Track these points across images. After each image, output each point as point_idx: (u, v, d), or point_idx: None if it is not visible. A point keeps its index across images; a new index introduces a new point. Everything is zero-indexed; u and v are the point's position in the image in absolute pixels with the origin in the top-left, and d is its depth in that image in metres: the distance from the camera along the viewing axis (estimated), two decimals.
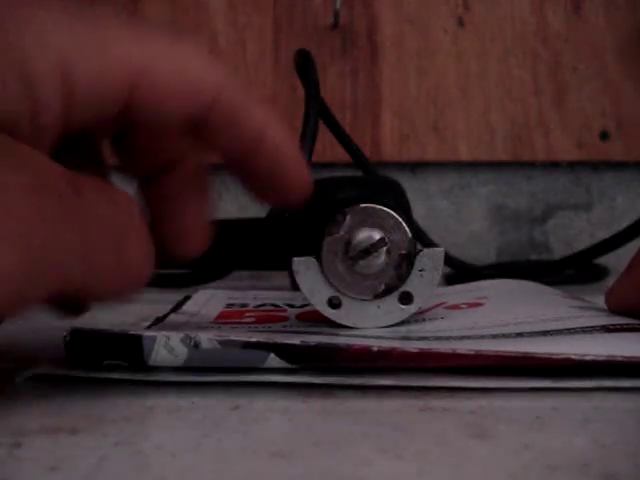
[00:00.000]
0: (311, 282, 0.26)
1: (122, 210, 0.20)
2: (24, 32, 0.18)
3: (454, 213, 0.62)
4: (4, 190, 0.16)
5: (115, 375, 0.21)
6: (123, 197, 0.20)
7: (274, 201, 0.24)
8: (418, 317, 0.27)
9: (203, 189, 0.24)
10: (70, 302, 0.20)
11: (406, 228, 0.26)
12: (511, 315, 0.26)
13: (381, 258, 0.26)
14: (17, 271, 0.16)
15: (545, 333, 0.23)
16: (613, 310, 0.26)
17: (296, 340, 0.21)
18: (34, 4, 0.18)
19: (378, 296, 0.26)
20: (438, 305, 0.30)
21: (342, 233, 0.26)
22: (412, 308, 0.26)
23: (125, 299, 0.21)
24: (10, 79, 0.17)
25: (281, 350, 0.21)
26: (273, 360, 0.21)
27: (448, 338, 0.23)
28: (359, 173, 0.47)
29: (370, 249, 0.25)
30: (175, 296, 0.34)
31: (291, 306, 0.32)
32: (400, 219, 0.26)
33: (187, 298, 0.36)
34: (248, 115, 0.21)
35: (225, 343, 0.21)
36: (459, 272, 0.47)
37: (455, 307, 0.30)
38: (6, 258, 0.16)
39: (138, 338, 0.21)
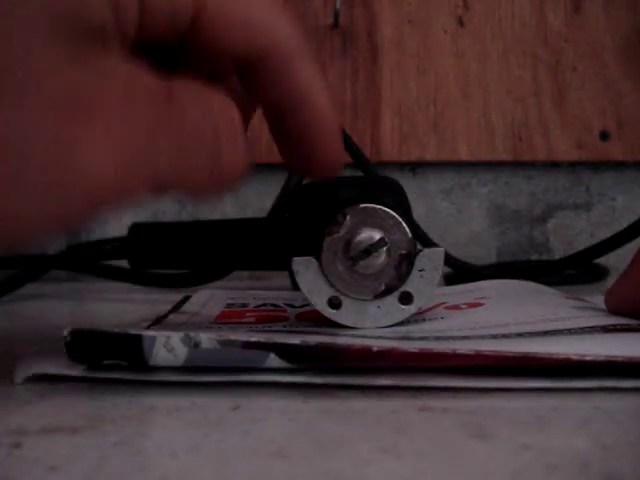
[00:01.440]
0: (311, 282, 0.26)
1: (217, 113, 0.19)
2: None
3: (454, 213, 0.62)
4: (97, 98, 0.17)
5: (115, 375, 0.21)
6: (219, 100, 0.20)
7: (301, 167, 0.24)
8: (418, 317, 0.27)
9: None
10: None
11: (406, 228, 0.26)
12: (511, 315, 0.26)
13: (381, 258, 0.26)
14: (112, 176, 0.17)
15: (545, 333, 0.23)
16: (612, 311, 0.26)
17: (296, 340, 0.21)
18: None
19: (378, 296, 0.26)
20: (438, 305, 0.30)
21: (342, 233, 0.26)
22: (412, 308, 0.26)
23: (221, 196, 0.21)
24: None
25: (281, 350, 0.21)
26: (273, 360, 0.21)
27: (448, 338, 0.23)
28: (359, 173, 0.47)
29: (370, 249, 0.25)
30: (175, 296, 0.34)
31: (291, 306, 0.33)
32: (400, 219, 0.26)
33: (187, 298, 0.36)
34: (297, 74, 0.21)
35: (225, 343, 0.21)
36: (459, 272, 0.47)
37: (455, 307, 0.30)
38: (101, 163, 0.17)
39: (138, 338, 0.21)
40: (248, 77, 0.21)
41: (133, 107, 0.18)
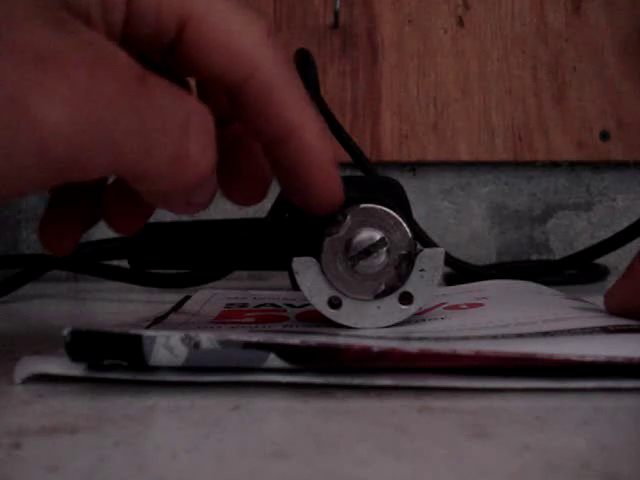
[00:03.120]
0: (311, 282, 0.26)
1: (191, 107, 0.19)
2: None
3: (454, 213, 0.62)
4: (66, 57, 0.17)
5: (115, 375, 0.21)
6: (193, 99, 0.19)
7: (297, 201, 0.23)
8: (418, 317, 0.27)
9: (255, 154, 0.23)
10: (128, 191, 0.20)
11: (406, 228, 0.26)
12: (511, 316, 0.26)
13: (381, 258, 0.26)
14: (66, 131, 0.17)
15: (545, 334, 0.23)
16: (612, 312, 0.26)
17: (296, 340, 0.21)
18: None
19: (378, 296, 0.26)
20: (438, 305, 0.30)
21: (342, 233, 0.26)
22: (412, 308, 0.26)
23: (183, 195, 0.20)
24: None
25: (281, 350, 0.21)
26: (273, 360, 0.21)
27: (448, 338, 0.23)
28: (359, 173, 0.47)
29: (370, 249, 0.25)
30: (175, 296, 0.34)
31: (291, 306, 0.32)
32: (400, 219, 0.26)
33: (187, 298, 0.36)
34: (281, 105, 0.20)
35: (225, 343, 0.21)
36: (459, 272, 0.47)
37: (455, 307, 0.30)
38: (55, 113, 0.17)
39: (138, 338, 0.21)
40: (233, 102, 0.21)
41: (101, 73, 0.17)
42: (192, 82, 0.24)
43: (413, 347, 0.21)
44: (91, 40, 0.18)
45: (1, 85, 0.16)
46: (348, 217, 0.26)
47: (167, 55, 0.20)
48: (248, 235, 0.35)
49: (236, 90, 0.20)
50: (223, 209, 0.61)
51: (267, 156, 0.22)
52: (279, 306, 0.33)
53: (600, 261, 0.46)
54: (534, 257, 0.62)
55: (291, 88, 0.20)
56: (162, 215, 0.55)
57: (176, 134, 0.19)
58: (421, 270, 0.26)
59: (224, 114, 0.23)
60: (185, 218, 0.60)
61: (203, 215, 0.64)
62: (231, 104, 0.21)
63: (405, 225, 0.26)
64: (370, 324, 0.26)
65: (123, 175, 0.19)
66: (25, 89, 0.16)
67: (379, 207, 0.26)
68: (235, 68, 0.20)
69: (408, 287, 0.26)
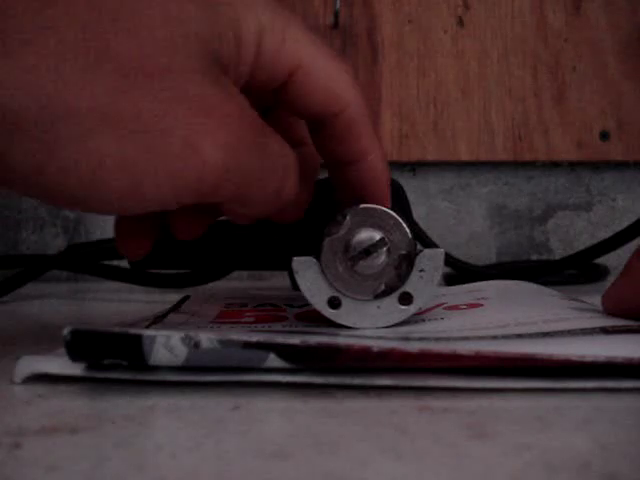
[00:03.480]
0: (311, 282, 0.26)
1: (288, 152, 0.24)
2: (247, 10, 0.23)
3: (454, 213, 0.62)
4: (220, 106, 0.22)
5: (115, 375, 0.21)
6: (289, 148, 0.24)
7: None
8: (418, 318, 0.27)
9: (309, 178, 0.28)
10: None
11: (406, 228, 0.26)
12: (511, 316, 0.26)
13: (381, 258, 0.26)
14: (220, 165, 0.21)
15: (545, 334, 0.23)
16: (610, 312, 0.26)
17: (296, 340, 0.21)
18: None
19: (378, 296, 0.26)
20: (438, 306, 0.30)
21: (342, 233, 0.26)
22: (412, 308, 0.26)
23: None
24: (228, 35, 0.22)
25: (281, 350, 0.21)
26: (273, 360, 0.21)
27: (448, 339, 0.23)
28: None
29: (370, 249, 0.25)
30: (175, 296, 0.34)
31: (290, 306, 0.32)
32: (400, 219, 0.26)
33: (187, 298, 0.36)
34: (360, 135, 0.26)
35: (225, 343, 0.21)
36: (459, 272, 0.47)
37: (455, 308, 0.30)
38: (217, 158, 0.21)
39: (138, 337, 0.21)
40: (320, 134, 0.26)
41: (246, 124, 0.22)
42: None
43: (413, 347, 0.21)
44: (234, 93, 0.23)
45: (179, 128, 0.21)
46: (348, 217, 0.26)
47: (277, 95, 0.25)
48: (248, 235, 0.35)
49: (328, 123, 0.25)
50: None
51: (334, 175, 0.27)
52: (279, 306, 0.33)
53: (600, 261, 0.46)
54: (534, 257, 0.62)
55: (368, 121, 0.26)
56: None
57: (280, 173, 0.24)
58: (421, 270, 0.26)
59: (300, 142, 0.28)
60: None
61: None
62: (317, 136, 0.26)
63: (405, 225, 0.26)
64: (370, 324, 0.26)
65: (235, 200, 0.23)
66: (197, 134, 0.21)
67: (379, 207, 0.26)
68: (333, 105, 0.25)
69: (408, 287, 0.26)
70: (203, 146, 0.21)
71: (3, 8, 0.19)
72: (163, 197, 0.22)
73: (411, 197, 0.29)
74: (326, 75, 0.24)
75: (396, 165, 0.61)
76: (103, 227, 0.61)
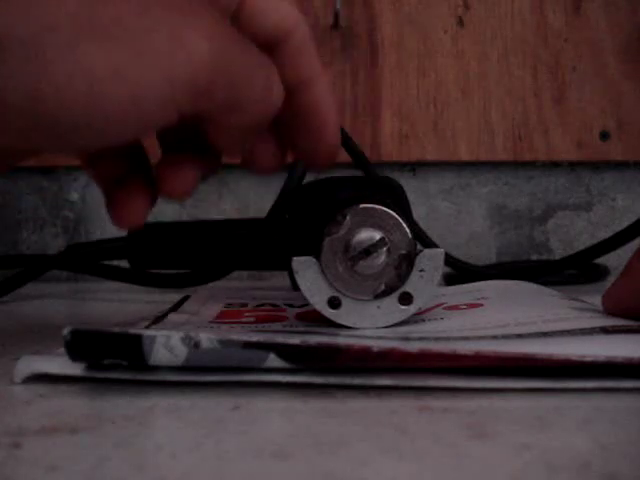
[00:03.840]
0: (311, 282, 0.26)
1: (268, 59, 0.25)
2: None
3: (454, 213, 0.62)
4: (204, 13, 0.23)
5: (115, 375, 0.21)
6: (266, 56, 0.25)
7: (301, 153, 0.28)
8: (418, 317, 0.27)
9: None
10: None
11: (406, 228, 0.26)
12: (511, 316, 0.26)
13: (381, 258, 0.26)
14: (208, 61, 0.22)
15: (545, 334, 0.23)
16: (610, 312, 0.26)
17: (296, 340, 0.21)
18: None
19: (378, 296, 0.26)
20: (438, 305, 0.30)
21: (342, 233, 0.26)
22: (412, 308, 0.26)
23: (255, 130, 0.26)
24: None
25: (281, 350, 0.21)
26: (273, 360, 0.21)
27: (448, 339, 0.23)
28: (359, 173, 0.47)
29: (370, 249, 0.25)
30: (175, 296, 0.34)
31: (290, 306, 0.33)
32: (400, 219, 0.26)
33: (187, 298, 0.36)
34: (310, 56, 0.27)
35: (225, 343, 0.21)
36: (459, 272, 0.47)
37: (455, 308, 0.30)
38: (203, 48, 0.22)
39: (138, 337, 0.21)
40: (274, 60, 0.26)
41: (226, 26, 0.24)
42: None
43: (413, 347, 0.21)
44: (212, 9, 0.24)
45: (161, 24, 0.22)
46: (348, 217, 0.26)
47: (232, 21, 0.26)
48: (248, 235, 0.35)
49: (282, 43, 0.26)
50: (223, 209, 0.61)
51: (286, 108, 0.27)
52: (279, 306, 0.33)
53: (600, 261, 0.46)
54: (534, 257, 0.62)
55: (315, 46, 0.27)
56: (162, 215, 0.55)
57: (265, 72, 0.25)
58: (421, 270, 0.26)
59: None
60: (185, 218, 0.60)
61: (203, 215, 0.64)
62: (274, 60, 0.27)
63: (405, 225, 0.26)
64: (370, 324, 0.26)
65: (227, 105, 0.24)
66: (183, 28, 0.22)
67: (379, 207, 0.26)
68: (284, 24, 0.26)
69: (408, 287, 0.26)
70: (188, 38, 0.22)
71: None
72: (162, 102, 0.22)
73: (411, 197, 0.29)
74: (272, 3, 0.26)
75: (396, 165, 0.60)
76: (103, 227, 0.61)
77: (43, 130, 0.21)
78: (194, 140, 0.27)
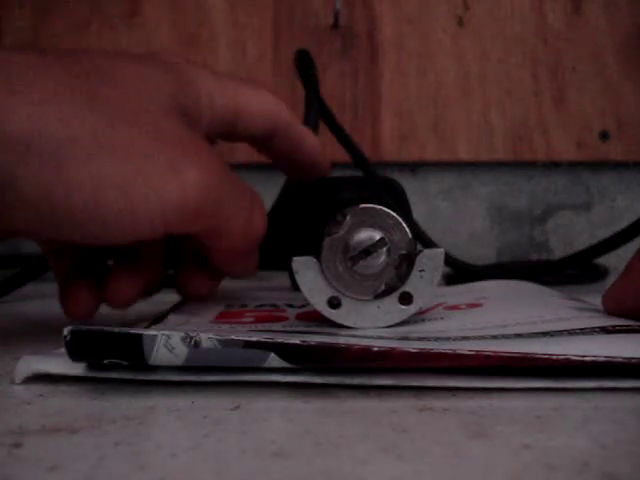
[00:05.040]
0: (311, 282, 0.26)
1: (252, 190, 0.29)
2: (197, 76, 0.30)
3: (454, 213, 0.62)
4: (194, 144, 0.26)
5: (115, 374, 0.21)
6: (252, 188, 0.29)
7: (285, 167, 0.36)
8: (418, 317, 0.27)
9: None
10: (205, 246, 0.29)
11: (406, 228, 0.26)
12: (511, 316, 0.26)
13: (381, 258, 0.26)
14: (199, 190, 0.25)
15: (544, 334, 0.23)
16: (610, 312, 0.26)
17: (297, 340, 0.21)
18: (194, 66, 0.30)
19: (378, 296, 0.26)
20: (438, 305, 0.30)
21: (342, 233, 0.26)
22: (412, 308, 0.26)
23: (247, 252, 0.30)
24: (189, 92, 0.29)
25: (282, 350, 0.21)
26: (273, 360, 0.21)
27: (448, 338, 0.23)
28: (359, 173, 0.47)
29: (370, 249, 0.25)
30: (175, 296, 0.34)
31: (291, 306, 0.33)
32: (400, 219, 0.26)
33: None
34: (294, 130, 0.33)
35: (225, 342, 0.21)
36: (459, 272, 0.47)
37: (455, 307, 0.30)
38: (195, 178, 0.25)
39: (138, 337, 0.21)
40: (267, 146, 0.34)
41: (215, 157, 0.27)
42: None
43: (413, 347, 0.21)
44: (202, 137, 0.29)
45: (162, 154, 0.25)
46: (348, 217, 0.26)
47: (230, 132, 0.32)
48: None
49: (273, 135, 0.33)
50: None
51: (282, 165, 0.35)
52: (279, 306, 0.33)
53: (600, 261, 0.46)
54: (534, 257, 0.62)
55: (295, 118, 0.33)
56: None
57: (248, 204, 0.28)
58: (421, 270, 0.26)
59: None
60: None
61: None
62: (264, 148, 0.34)
63: (405, 225, 0.26)
64: (370, 324, 0.26)
65: (212, 231, 0.27)
66: (178, 158, 0.25)
67: (379, 207, 0.26)
68: (270, 123, 0.32)
69: (408, 287, 0.26)
70: (184, 168, 0.25)
71: (5, 57, 0.23)
72: (152, 219, 0.24)
73: (411, 197, 0.29)
74: (258, 102, 0.32)
75: (396, 165, 0.61)
76: None
77: (45, 223, 0.24)
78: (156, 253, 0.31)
